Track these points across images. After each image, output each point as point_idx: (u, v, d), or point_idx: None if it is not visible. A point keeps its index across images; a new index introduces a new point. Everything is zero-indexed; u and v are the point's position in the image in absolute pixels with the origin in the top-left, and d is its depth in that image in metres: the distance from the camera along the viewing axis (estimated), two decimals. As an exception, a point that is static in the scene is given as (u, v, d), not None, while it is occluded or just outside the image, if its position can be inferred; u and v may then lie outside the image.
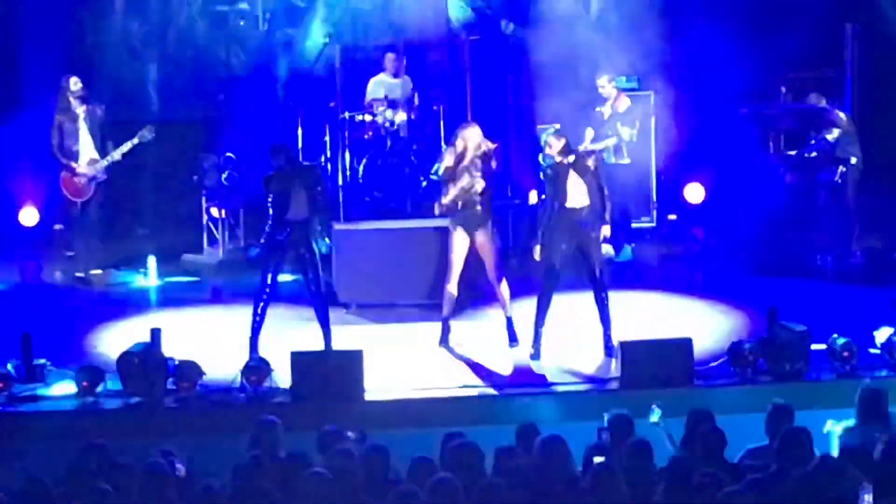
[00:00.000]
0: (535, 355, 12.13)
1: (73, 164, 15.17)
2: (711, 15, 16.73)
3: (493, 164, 12.41)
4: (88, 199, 15.29)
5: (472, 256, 12.49)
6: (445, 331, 12.60)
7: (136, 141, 15.27)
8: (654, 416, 9.85)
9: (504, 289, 12.53)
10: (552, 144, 12.09)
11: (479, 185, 12.30)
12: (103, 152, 15.27)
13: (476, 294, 13.65)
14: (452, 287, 12.46)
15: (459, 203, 12.34)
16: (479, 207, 12.34)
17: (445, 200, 12.40)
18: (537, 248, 12.12)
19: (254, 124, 16.60)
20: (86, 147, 15.26)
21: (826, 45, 16.62)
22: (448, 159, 12.42)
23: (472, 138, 12.37)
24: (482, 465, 8.30)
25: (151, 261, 15.61)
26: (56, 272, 15.54)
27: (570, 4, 16.35)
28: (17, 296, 14.87)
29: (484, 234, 12.39)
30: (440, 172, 12.58)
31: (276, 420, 9.04)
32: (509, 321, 12.57)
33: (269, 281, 12.16)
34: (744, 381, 11.41)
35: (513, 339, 12.53)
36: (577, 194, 12.06)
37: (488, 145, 12.43)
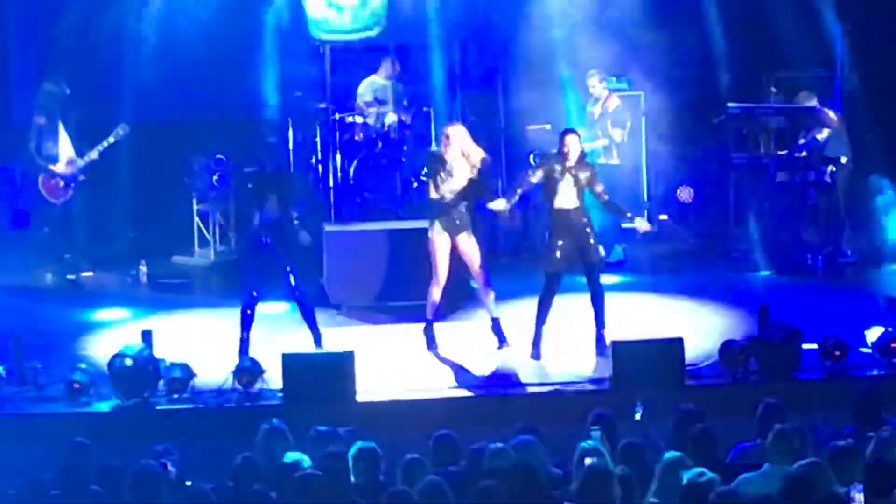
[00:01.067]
0: (536, 356, 12.11)
1: (51, 167, 15.16)
2: (702, 14, 16.74)
3: (476, 167, 12.31)
4: (69, 200, 15.28)
5: (459, 258, 12.46)
6: (430, 333, 12.56)
7: (111, 139, 15.29)
8: (638, 415, 9.89)
9: (488, 291, 12.47)
10: (574, 148, 12.02)
11: (462, 185, 12.24)
12: (80, 153, 15.28)
13: (467, 294, 13.64)
14: (437, 290, 12.41)
15: (443, 204, 12.29)
16: (461, 209, 12.29)
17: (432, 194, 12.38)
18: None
19: (244, 125, 16.58)
20: (65, 148, 15.27)
21: (816, 44, 16.64)
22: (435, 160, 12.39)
23: (456, 136, 12.33)
24: (475, 466, 8.30)
25: (142, 263, 15.62)
26: (47, 274, 15.52)
27: (562, 4, 16.33)
28: (7, 298, 14.83)
29: (467, 237, 12.34)
30: (426, 173, 12.53)
31: (283, 426, 9.00)
32: (496, 322, 12.53)
33: (255, 283, 12.18)
34: (735, 381, 11.43)
35: (501, 340, 12.50)
36: (568, 196, 12.05)
37: (477, 151, 12.36)
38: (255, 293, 12.17)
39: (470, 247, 12.34)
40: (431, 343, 12.54)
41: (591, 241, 12.17)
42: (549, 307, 12.10)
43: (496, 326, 12.52)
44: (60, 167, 15.21)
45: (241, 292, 12.29)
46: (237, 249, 15.83)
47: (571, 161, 12.00)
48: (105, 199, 16.03)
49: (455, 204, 12.26)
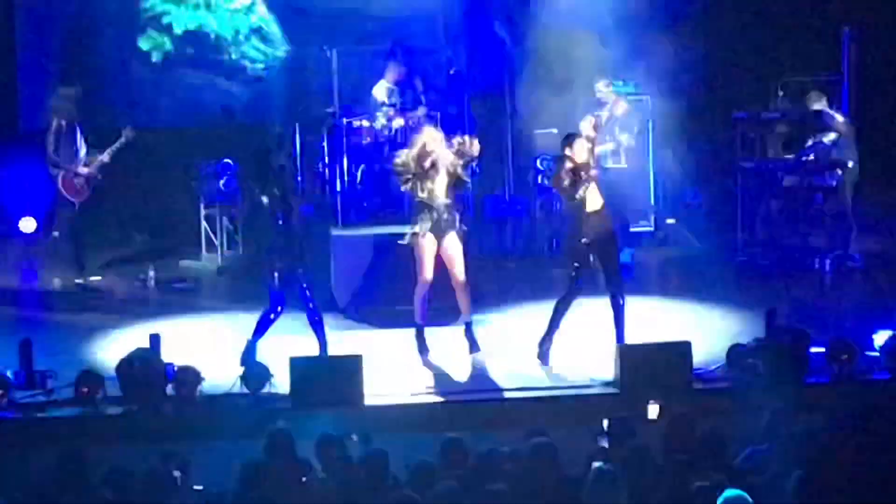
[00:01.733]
0: (545, 359, 12.06)
1: (73, 167, 15.22)
2: (708, 18, 16.76)
3: (463, 169, 12.21)
4: (85, 200, 15.34)
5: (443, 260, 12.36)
6: (421, 339, 12.52)
7: (123, 140, 15.34)
8: (652, 413, 9.89)
9: (466, 294, 12.42)
10: (579, 147, 11.92)
11: (445, 184, 12.17)
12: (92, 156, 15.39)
13: (473, 297, 13.61)
14: (422, 292, 12.33)
15: (428, 205, 12.19)
16: (446, 212, 12.24)
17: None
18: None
19: (251, 130, 16.61)
20: (82, 149, 15.34)
21: (824, 48, 16.64)
22: (402, 157, 12.30)
23: (427, 139, 12.22)
24: (484, 469, 8.32)
25: (150, 267, 15.65)
26: (55, 279, 15.53)
27: (568, 8, 16.34)
28: (16, 302, 14.86)
29: (451, 239, 12.25)
30: (395, 163, 12.40)
31: (286, 428, 8.99)
32: (468, 327, 12.43)
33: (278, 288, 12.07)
34: (742, 384, 11.42)
35: (473, 345, 12.38)
36: (594, 196, 11.97)
37: (446, 154, 12.20)
38: (282, 300, 12.06)
39: (454, 247, 12.25)
40: (423, 349, 12.47)
41: (613, 242, 12.08)
42: (566, 310, 11.94)
43: (468, 331, 12.43)
44: (82, 167, 15.29)
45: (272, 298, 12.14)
46: (246, 253, 15.92)
47: (577, 164, 11.89)
48: (113, 204, 16.03)
49: (442, 207, 12.18)
